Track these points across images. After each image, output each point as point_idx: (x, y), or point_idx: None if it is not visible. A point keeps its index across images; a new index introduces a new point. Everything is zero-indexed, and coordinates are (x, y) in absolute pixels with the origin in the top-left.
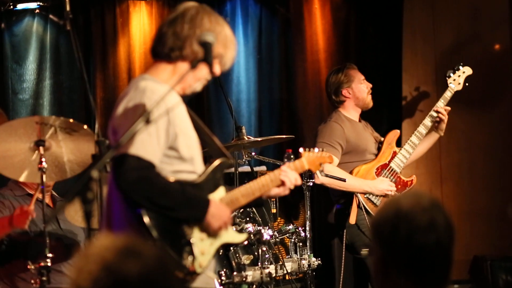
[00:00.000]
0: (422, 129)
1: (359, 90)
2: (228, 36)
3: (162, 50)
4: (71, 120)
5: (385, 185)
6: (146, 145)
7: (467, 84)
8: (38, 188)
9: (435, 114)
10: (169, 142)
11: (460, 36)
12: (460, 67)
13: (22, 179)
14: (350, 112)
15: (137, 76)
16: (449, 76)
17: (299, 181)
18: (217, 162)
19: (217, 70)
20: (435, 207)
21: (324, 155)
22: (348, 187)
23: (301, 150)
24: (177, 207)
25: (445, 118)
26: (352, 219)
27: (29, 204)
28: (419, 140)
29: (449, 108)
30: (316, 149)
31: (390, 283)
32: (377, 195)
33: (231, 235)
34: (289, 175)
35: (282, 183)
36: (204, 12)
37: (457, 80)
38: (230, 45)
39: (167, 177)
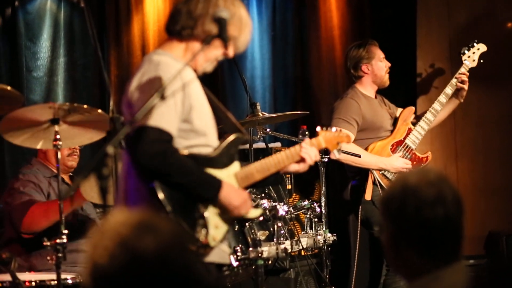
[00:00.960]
0: (437, 105)
1: (378, 67)
2: (243, 18)
3: (175, 28)
4: (85, 106)
5: (400, 162)
6: (166, 116)
7: (481, 61)
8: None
9: (449, 91)
10: (184, 114)
11: (474, 12)
12: (475, 44)
13: (39, 146)
14: (367, 88)
15: None
16: (464, 53)
17: (318, 157)
18: (232, 137)
19: (230, 51)
20: (441, 181)
21: (342, 135)
22: (364, 164)
23: (318, 128)
24: (192, 185)
25: (465, 85)
26: (368, 195)
27: None
28: (434, 117)
29: (465, 76)
30: (334, 128)
31: (402, 259)
32: (392, 172)
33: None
34: (309, 151)
35: (302, 159)
36: None
37: (472, 57)
38: (245, 28)
39: (182, 152)
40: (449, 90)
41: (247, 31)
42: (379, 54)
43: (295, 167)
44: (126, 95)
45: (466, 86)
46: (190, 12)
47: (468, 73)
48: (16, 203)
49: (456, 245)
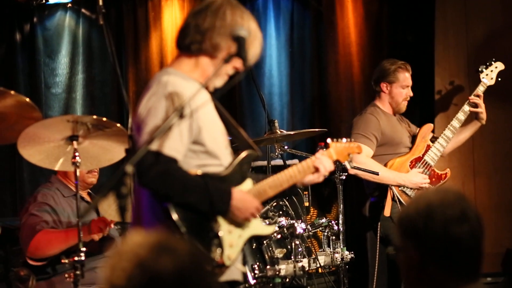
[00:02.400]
0: (455, 123)
1: (397, 92)
2: (252, 31)
3: (183, 42)
4: (104, 119)
5: (418, 178)
6: (168, 141)
7: (499, 79)
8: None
9: (467, 109)
10: (193, 137)
11: (492, 28)
12: (493, 62)
13: (57, 167)
14: (385, 105)
15: None
16: (481, 71)
17: (332, 168)
18: (243, 154)
19: (239, 65)
20: (462, 199)
21: (353, 145)
22: (382, 179)
23: (328, 140)
24: (198, 200)
25: (480, 108)
26: (387, 211)
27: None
28: (452, 134)
29: (478, 99)
30: (344, 139)
31: (426, 277)
32: (411, 188)
33: (259, 227)
34: (323, 161)
35: (316, 170)
36: (229, 5)
37: (490, 75)
38: (254, 41)
39: (189, 171)
40: (461, 115)
41: (257, 43)
42: (404, 80)
43: (309, 178)
44: (135, 117)
45: (481, 109)
46: (197, 26)
47: (481, 95)
48: (25, 227)
49: (478, 262)
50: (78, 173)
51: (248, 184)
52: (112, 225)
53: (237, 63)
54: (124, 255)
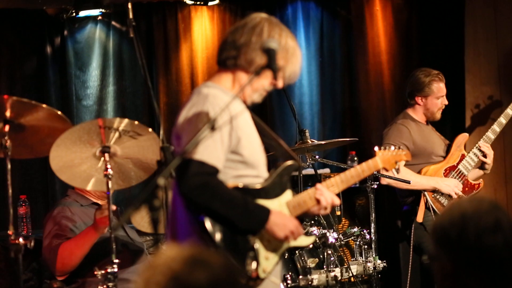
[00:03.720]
0: (490, 134)
1: (433, 104)
2: (290, 48)
3: (220, 58)
4: (136, 122)
5: (453, 182)
6: (210, 149)
7: None
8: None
9: (504, 121)
10: (232, 146)
11: None
12: None
13: (89, 187)
14: (418, 115)
15: (200, 81)
16: None
17: (336, 201)
18: (284, 165)
19: (279, 82)
20: (497, 209)
21: (400, 153)
22: (416, 186)
23: (376, 148)
24: (236, 217)
25: (489, 158)
26: (420, 217)
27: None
28: (487, 143)
29: (487, 148)
30: (392, 147)
31: (460, 286)
32: (443, 193)
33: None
34: (324, 193)
35: (318, 202)
36: (267, 22)
37: None
38: (291, 58)
39: (229, 185)
40: (496, 127)
41: (295, 60)
42: (439, 91)
43: (310, 211)
44: (175, 126)
45: (488, 160)
46: (234, 41)
47: (489, 146)
48: (47, 251)
49: None
50: (110, 185)
51: (288, 195)
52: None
53: (271, 77)
54: (158, 269)
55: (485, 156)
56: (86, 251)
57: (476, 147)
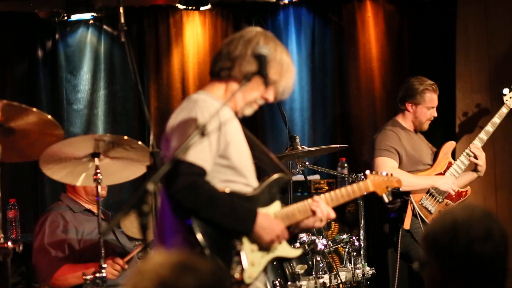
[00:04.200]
0: (477, 142)
1: (422, 113)
2: (284, 63)
3: (214, 69)
4: (125, 137)
5: (450, 180)
6: (198, 151)
7: None
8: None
9: (491, 129)
10: (220, 150)
11: None
12: None
13: (79, 183)
14: (407, 122)
15: (191, 85)
16: (505, 94)
17: (332, 215)
18: (274, 177)
19: (270, 96)
20: (489, 217)
21: (392, 179)
22: (413, 186)
23: (367, 172)
24: (223, 217)
25: (480, 160)
26: (407, 225)
27: (124, 258)
28: (471, 156)
29: (479, 150)
30: (384, 173)
31: None
32: (430, 200)
33: (285, 249)
34: (321, 205)
35: (313, 213)
36: (263, 36)
37: None
38: (286, 73)
39: (216, 187)
40: (483, 135)
41: (289, 76)
42: (430, 102)
43: (305, 222)
44: (165, 130)
45: (480, 162)
46: (229, 53)
47: (479, 147)
48: (42, 263)
49: (502, 280)
50: (100, 190)
51: (276, 206)
52: (126, 266)
53: (265, 92)
54: (146, 275)
55: (476, 158)
56: (79, 283)
57: (465, 153)
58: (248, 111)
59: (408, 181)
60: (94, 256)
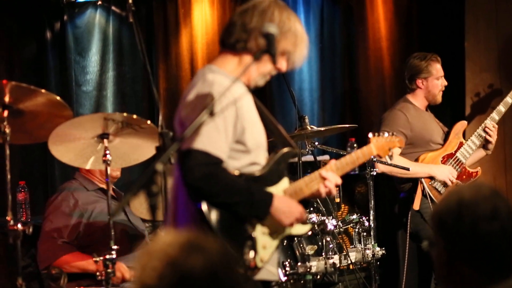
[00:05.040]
0: (488, 122)
1: (434, 85)
2: (298, 33)
3: (229, 41)
4: (134, 116)
5: (447, 170)
6: (215, 140)
7: None
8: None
9: (503, 109)
10: (237, 136)
11: None
12: None
13: (88, 166)
14: (419, 101)
15: (199, 66)
16: None
17: (338, 181)
18: (281, 153)
19: (283, 65)
20: (496, 196)
21: (394, 139)
22: (410, 173)
23: (370, 135)
24: (241, 204)
25: (492, 138)
26: (416, 205)
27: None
28: (485, 133)
29: (493, 130)
30: (386, 134)
31: (456, 274)
32: (439, 180)
33: (294, 227)
34: (329, 176)
35: (324, 179)
36: (277, 6)
37: None
38: (300, 43)
39: (233, 173)
40: (495, 115)
41: (303, 46)
42: (438, 71)
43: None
44: (178, 112)
45: (493, 139)
46: (244, 25)
47: (496, 126)
48: (43, 247)
49: (510, 260)
50: (109, 171)
51: (285, 183)
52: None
53: (278, 63)
54: (154, 254)
55: (486, 145)
56: (79, 271)
57: (475, 135)
58: (261, 82)
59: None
60: (103, 237)
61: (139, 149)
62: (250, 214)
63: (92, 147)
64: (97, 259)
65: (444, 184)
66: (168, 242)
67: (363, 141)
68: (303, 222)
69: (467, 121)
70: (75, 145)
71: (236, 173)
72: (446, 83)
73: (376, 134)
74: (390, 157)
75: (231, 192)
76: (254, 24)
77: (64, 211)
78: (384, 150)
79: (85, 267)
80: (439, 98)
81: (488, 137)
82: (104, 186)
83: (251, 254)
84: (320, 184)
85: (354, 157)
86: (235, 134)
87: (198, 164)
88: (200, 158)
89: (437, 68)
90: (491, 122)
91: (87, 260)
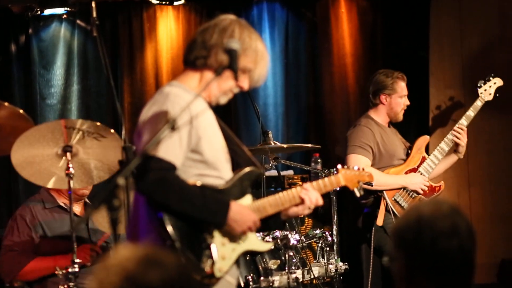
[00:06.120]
0: (451, 136)
1: (396, 103)
2: (259, 51)
3: (189, 58)
4: (98, 124)
5: (419, 179)
6: (168, 147)
7: (497, 95)
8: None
9: (465, 123)
10: (192, 145)
11: (488, 38)
12: (491, 78)
13: (50, 185)
14: (381, 117)
15: (164, 81)
16: (480, 86)
17: (320, 202)
18: (245, 170)
19: (245, 84)
20: (455, 213)
21: (364, 173)
22: (383, 185)
23: (339, 166)
24: (195, 210)
25: (462, 141)
26: (380, 221)
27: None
28: (448, 147)
29: (462, 132)
30: (356, 167)
31: None
32: (412, 190)
33: (255, 243)
34: (310, 193)
35: (302, 201)
36: (237, 24)
37: (488, 90)
38: (261, 61)
39: (187, 180)
40: (464, 121)
41: (263, 64)
42: (402, 90)
43: (294, 210)
44: (137, 125)
45: (462, 143)
46: (204, 42)
47: (465, 129)
48: (4, 260)
49: (468, 275)
50: (72, 184)
51: (247, 199)
52: (100, 250)
53: (239, 80)
54: (112, 269)
55: (457, 145)
56: (47, 274)
57: (437, 149)
58: (223, 100)
59: (378, 180)
60: (63, 252)
61: (102, 167)
62: (205, 221)
63: (55, 163)
64: (60, 272)
65: (407, 199)
66: (125, 256)
67: (327, 157)
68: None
69: (430, 135)
70: (37, 160)
71: (198, 183)
72: (408, 103)
73: (345, 166)
74: (360, 189)
75: (184, 199)
76: (214, 41)
77: (22, 225)
78: (352, 183)
79: (50, 270)
80: (400, 116)
81: (457, 140)
82: (64, 202)
83: (209, 262)
84: (300, 206)
85: (321, 185)
86: (190, 142)
87: (150, 169)
88: (153, 164)
89: (402, 87)
90: (460, 124)
91: (51, 262)
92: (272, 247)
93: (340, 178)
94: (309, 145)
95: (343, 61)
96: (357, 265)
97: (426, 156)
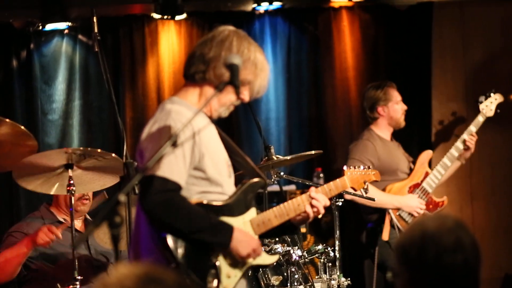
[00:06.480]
0: (454, 151)
1: (395, 110)
2: (258, 63)
3: (189, 72)
4: (98, 150)
5: (415, 202)
6: (173, 166)
7: (498, 110)
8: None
9: (467, 137)
10: (195, 163)
11: (490, 51)
12: (492, 94)
13: (52, 192)
14: (382, 130)
15: (166, 95)
16: (481, 102)
17: (327, 202)
18: (249, 183)
19: (246, 96)
20: (460, 228)
21: (370, 172)
22: (378, 203)
23: (345, 167)
24: (200, 234)
25: (471, 147)
26: (385, 236)
27: (59, 227)
28: (450, 162)
29: (476, 137)
30: (362, 167)
31: None
32: (406, 212)
33: (261, 257)
34: (318, 196)
35: (311, 206)
36: (236, 36)
37: (489, 106)
38: (261, 72)
39: (192, 201)
40: (460, 144)
41: (263, 75)
42: (396, 96)
43: (303, 215)
44: (139, 143)
45: (473, 149)
46: (203, 55)
47: (476, 137)
48: None
49: None
50: (73, 201)
51: (252, 213)
52: (60, 236)
53: (240, 93)
54: (111, 287)
55: (465, 149)
56: (22, 260)
57: (440, 164)
58: (225, 113)
59: (376, 199)
60: (63, 267)
61: (103, 176)
62: (211, 242)
63: (57, 176)
64: None
65: (412, 214)
66: (125, 274)
67: (330, 171)
68: (268, 252)
69: (433, 150)
70: (40, 174)
71: (205, 202)
72: (406, 107)
73: (351, 167)
74: (365, 190)
75: (189, 222)
76: (212, 54)
77: (21, 237)
78: (358, 183)
79: (18, 255)
80: (402, 122)
81: (470, 145)
82: (63, 217)
83: (215, 283)
84: (307, 205)
85: (327, 189)
86: (193, 160)
87: (156, 191)
88: (158, 184)
89: (394, 93)
90: (470, 131)
91: (15, 248)
92: (277, 260)
93: (346, 180)
94: (312, 152)
95: (345, 75)
96: (360, 281)
97: (429, 170)
